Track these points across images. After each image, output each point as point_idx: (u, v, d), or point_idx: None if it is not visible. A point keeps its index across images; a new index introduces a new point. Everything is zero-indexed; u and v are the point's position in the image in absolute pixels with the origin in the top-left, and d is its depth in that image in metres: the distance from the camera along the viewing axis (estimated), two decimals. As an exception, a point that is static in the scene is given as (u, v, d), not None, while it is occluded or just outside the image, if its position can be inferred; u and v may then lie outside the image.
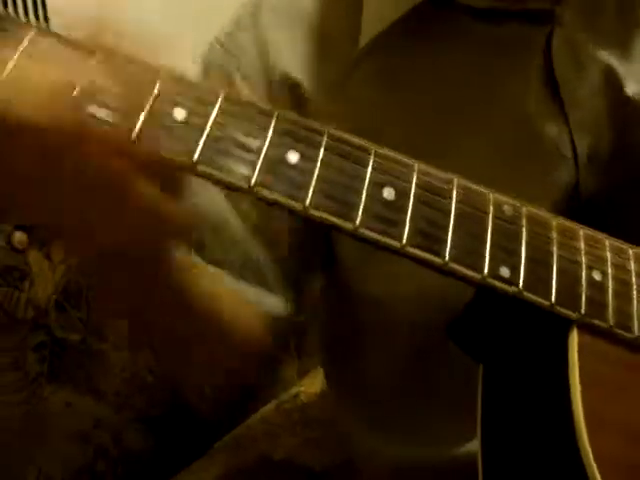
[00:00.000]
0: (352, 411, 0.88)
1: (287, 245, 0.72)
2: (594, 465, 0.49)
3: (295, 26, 0.73)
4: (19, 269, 0.94)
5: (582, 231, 0.55)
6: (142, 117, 0.42)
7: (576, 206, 0.69)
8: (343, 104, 0.71)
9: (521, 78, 0.70)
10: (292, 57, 0.72)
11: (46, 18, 1.48)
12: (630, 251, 0.56)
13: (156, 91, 0.43)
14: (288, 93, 0.71)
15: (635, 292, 0.55)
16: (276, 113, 0.46)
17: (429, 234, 0.49)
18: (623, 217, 0.64)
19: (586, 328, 0.53)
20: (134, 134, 0.41)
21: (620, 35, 0.72)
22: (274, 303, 0.71)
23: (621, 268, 0.55)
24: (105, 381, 1.01)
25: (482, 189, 0.52)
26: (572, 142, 0.69)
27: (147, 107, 0.42)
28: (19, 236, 0.95)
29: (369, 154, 0.48)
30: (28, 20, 1.34)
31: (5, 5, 1.31)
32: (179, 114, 0.44)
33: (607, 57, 0.71)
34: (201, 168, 0.44)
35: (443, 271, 0.49)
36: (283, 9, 0.74)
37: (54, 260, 0.97)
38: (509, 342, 0.56)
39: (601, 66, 0.70)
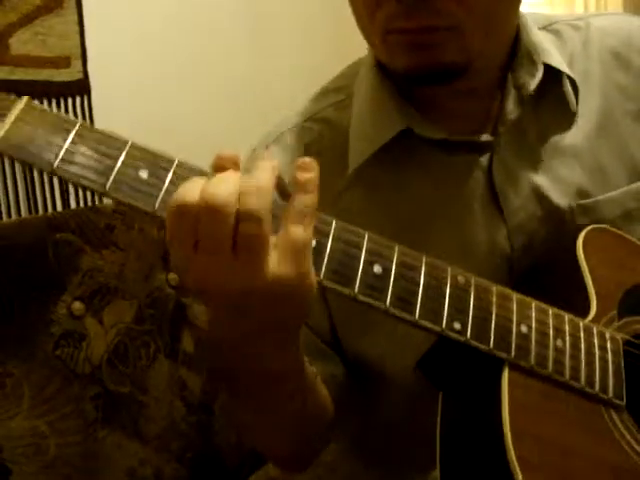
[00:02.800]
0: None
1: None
2: (518, 470, 0.62)
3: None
4: (78, 332, 1.08)
5: (515, 295, 0.69)
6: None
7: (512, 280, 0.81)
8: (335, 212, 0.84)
9: (470, 193, 0.83)
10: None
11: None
12: (550, 310, 0.70)
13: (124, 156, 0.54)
14: None
15: (551, 341, 0.68)
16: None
17: (405, 299, 0.62)
18: (549, 287, 0.78)
19: (515, 367, 0.67)
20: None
21: (542, 158, 0.84)
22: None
23: (542, 323, 0.69)
24: (148, 427, 1.13)
25: (443, 264, 0.66)
26: (510, 241, 0.82)
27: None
28: (78, 305, 1.11)
29: (363, 239, 0.62)
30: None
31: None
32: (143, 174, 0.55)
33: (534, 175, 0.83)
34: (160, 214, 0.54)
35: (414, 325, 0.63)
36: (293, 147, 0.86)
37: (106, 325, 1.12)
38: (461, 374, 0.70)
39: (531, 182, 0.83)
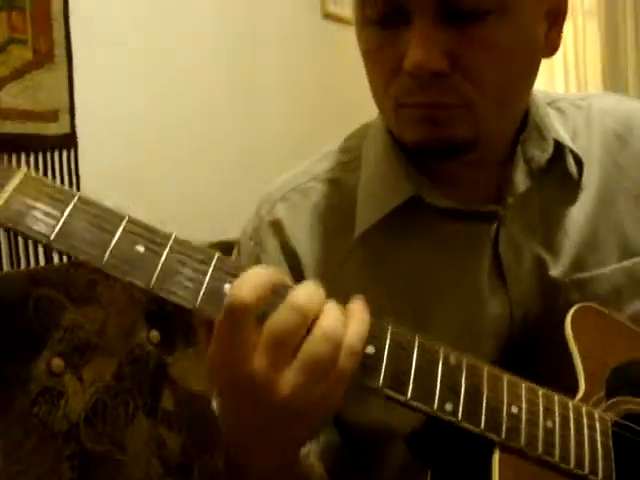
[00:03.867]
0: None
1: None
2: None
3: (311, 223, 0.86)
4: (57, 389, 1.07)
5: (505, 375, 0.69)
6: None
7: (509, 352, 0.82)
8: (341, 276, 0.83)
9: (475, 263, 0.83)
10: (305, 244, 0.85)
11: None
12: (540, 391, 0.70)
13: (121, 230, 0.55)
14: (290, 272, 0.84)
15: (541, 421, 0.68)
16: (216, 255, 0.58)
17: (397, 379, 0.62)
18: (538, 363, 0.78)
19: (506, 448, 0.66)
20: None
21: (544, 230, 0.85)
22: None
23: (532, 403, 0.68)
24: (124, 487, 1.13)
25: (434, 344, 0.65)
26: (511, 311, 0.83)
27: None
28: (57, 362, 1.10)
29: None
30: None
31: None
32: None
33: (536, 247, 0.84)
34: (156, 291, 0.55)
35: (405, 405, 0.63)
36: (300, 206, 0.87)
37: (85, 382, 1.11)
38: (450, 453, 0.69)
39: (533, 254, 0.84)
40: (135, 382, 1.18)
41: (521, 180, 0.83)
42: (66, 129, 1.70)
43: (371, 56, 0.78)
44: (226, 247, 0.89)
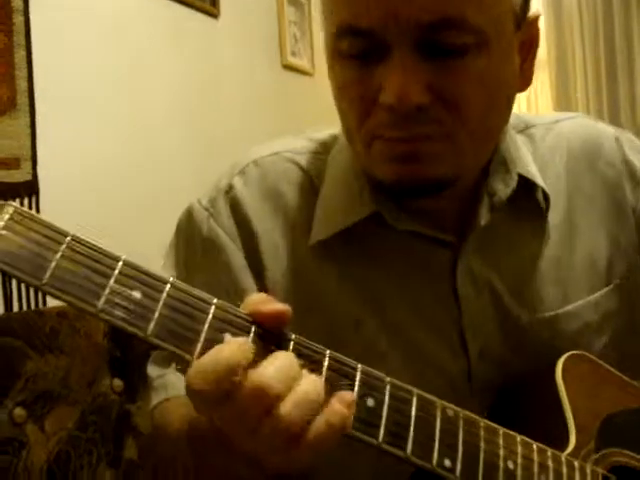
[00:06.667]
0: None
1: None
2: None
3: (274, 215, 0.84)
4: (18, 440, 1.06)
5: (501, 430, 0.67)
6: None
7: (470, 388, 0.81)
8: (303, 285, 0.82)
9: (430, 289, 0.82)
10: (262, 224, 0.83)
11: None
12: (534, 445, 0.69)
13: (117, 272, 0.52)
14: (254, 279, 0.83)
15: (536, 477, 0.67)
16: (214, 303, 0.56)
17: (396, 434, 0.60)
18: (527, 413, 0.77)
19: None
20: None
21: (506, 266, 0.84)
22: None
23: (527, 458, 0.67)
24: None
25: (432, 398, 0.64)
26: (464, 340, 0.82)
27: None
28: (19, 411, 1.08)
29: (356, 370, 0.60)
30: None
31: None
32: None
33: (497, 282, 0.83)
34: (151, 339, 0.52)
35: (404, 461, 0.60)
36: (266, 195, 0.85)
37: (48, 432, 1.10)
38: None
39: (492, 288, 0.83)
40: (98, 431, 1.16)
41: (483, 214, 0.81)
42: (28, 176, 1.69)
43: (346, 90, 0.75)
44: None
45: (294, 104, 2.64)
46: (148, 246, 1.94)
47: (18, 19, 1.63)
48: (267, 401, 0.53)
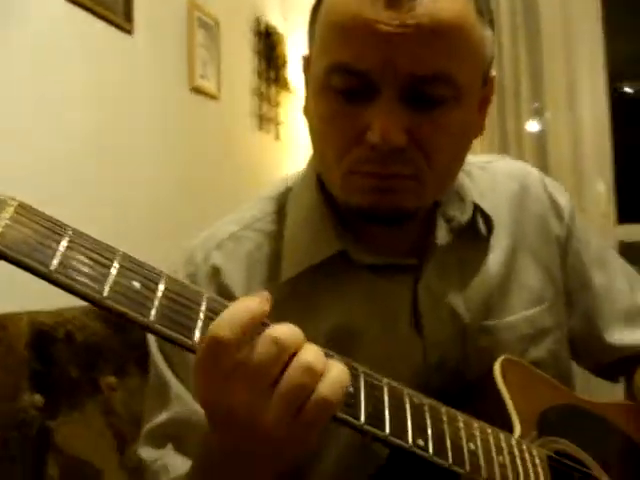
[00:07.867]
0: None
1: None
2: None
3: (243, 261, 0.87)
4: None
5: (459, 415, 0.73)
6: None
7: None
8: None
9: (395, 312, 0.88)
10: (242, 288, 0.86)
11: None
12: (489, 429, 0.75)
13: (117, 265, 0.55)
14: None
15: (495, 457, 0.73)
16: (205, 295, 0.60)
17: (375, 416, 0.65)
18: (476, 410, 0.80)
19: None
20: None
21: (459, 282, 0.91)
22: None
23: (485, 441, 0.74)
24: None
25: (400, 385, 0.69)
26: (425, 357, 0.87)
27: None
28: None
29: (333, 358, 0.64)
30: None
31: None
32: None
33: (452, 297, 0.89)
34: (156, 327, 0.55)
35: (383, 441, 0.65)
36: (235, 255, 0.88)
37: None
38: None
39: (449, 303, 0.89)
40: (19, 449, 1.09)
41: (442, 236, 0.89)
42: None
43: (330, 122, 0.80)
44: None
45: (201, 125, 2.62)
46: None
47: None
48: (282, 354, 0.58)
